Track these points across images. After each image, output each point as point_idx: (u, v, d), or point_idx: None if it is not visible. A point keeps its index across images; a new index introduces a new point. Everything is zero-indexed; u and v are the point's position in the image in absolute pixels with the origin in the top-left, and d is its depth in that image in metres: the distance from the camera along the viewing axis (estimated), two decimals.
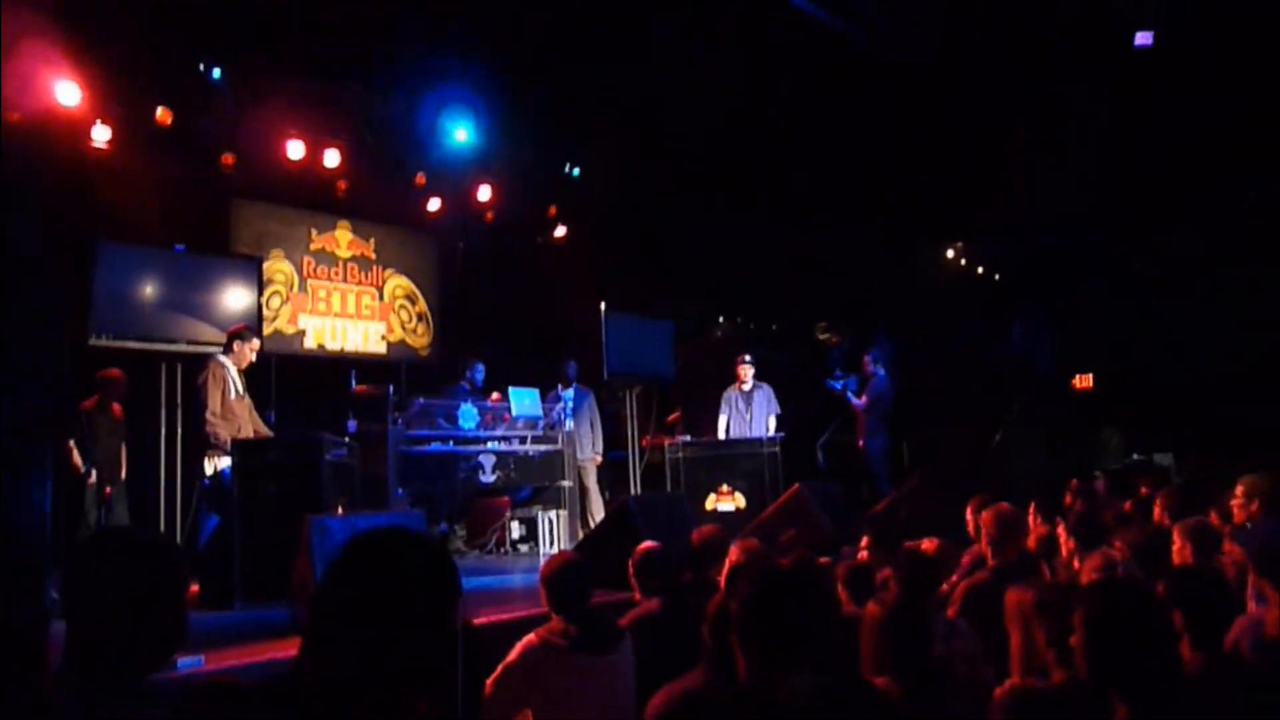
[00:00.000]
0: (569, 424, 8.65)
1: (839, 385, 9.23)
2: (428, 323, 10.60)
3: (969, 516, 4.95)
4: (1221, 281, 11.68)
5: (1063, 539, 4.29)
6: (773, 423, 8.97)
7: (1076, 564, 3.92)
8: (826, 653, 2.44)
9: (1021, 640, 2.75)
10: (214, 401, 5.98)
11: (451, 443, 7.90)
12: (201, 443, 5.98)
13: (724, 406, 9.15)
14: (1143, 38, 8.53)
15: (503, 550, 8.45)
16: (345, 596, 1.31)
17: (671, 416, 10.69)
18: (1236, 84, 10.01)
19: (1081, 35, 9.36)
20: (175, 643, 1.76)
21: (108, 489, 6.45)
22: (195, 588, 5.36)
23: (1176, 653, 1.99)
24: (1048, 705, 2.12)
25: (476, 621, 4.55)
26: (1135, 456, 12.34)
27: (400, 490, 7.33)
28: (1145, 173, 11.44)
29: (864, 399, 9.14)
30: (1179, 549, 3.87)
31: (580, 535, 7.93)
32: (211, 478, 5.89)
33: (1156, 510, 5.23)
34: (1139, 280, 12.43)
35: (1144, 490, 6.57)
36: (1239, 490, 4.29)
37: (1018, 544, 4.19)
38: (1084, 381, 13.36)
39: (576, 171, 11.35)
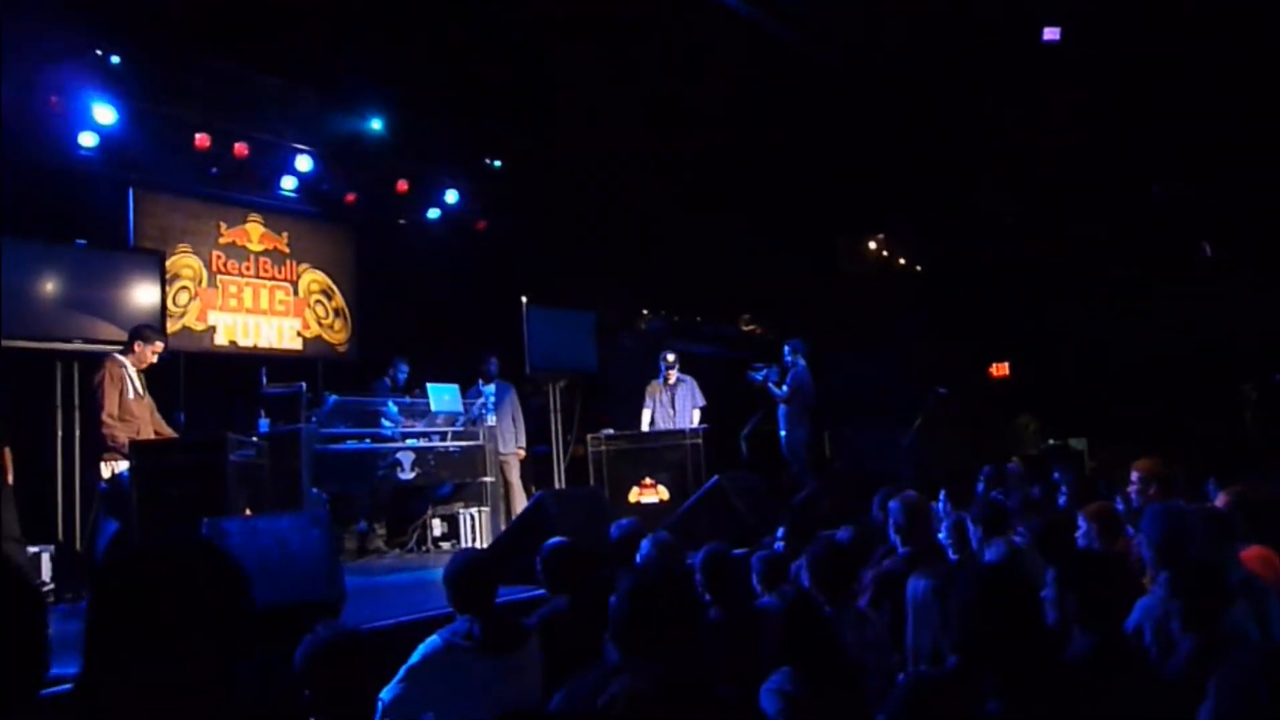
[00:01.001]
0: (490, 419, 8.55)
1: (760, 376, 9.26)
2: (345, 318, 10.36)
3: (875, 507, 5.01)
4: (1135, 270, 12.05)
5: (971, 526, 4.35)
6: (697, 415, 8.98)
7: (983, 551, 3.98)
8: (682, 649, 2.43)
9: (921, 625, 2.77)
10: (111, 403, 5.73)
11: (369, 440, 7.75)
12: (98, 445, 5.73)
13: (648, 400, 9.14)
14: (1050, 33, 8.73)
15: (424, 548, 8.31)
16: (112, 622, 1.27)
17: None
18: (1143, 83, 10.34)
19: (992, 32, 9.56)
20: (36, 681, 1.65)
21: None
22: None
23: (1049, 637, 2.01)
24: (938, 689, 2.12)
25: (389, 622, 4.46)
26: (1051, 442, 12.71)
27: (315, 490, 7.16)
28: (1056, 167, 11.74)
29: (785, 389, 9.18)
30: (1084, 533, 3.95)
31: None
32: (109, 481, 5.65)
33: (1067, 495, 5.37)
34: (1054, 269, 12.76)
35: (1054, 476, 6.73)
36: (1134, 475, 4.39)
37: (927, 532, 4.24)
38: (1000, 370, 13.69)
39: (498, 163, 11.23)
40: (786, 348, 9.48)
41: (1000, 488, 5.86)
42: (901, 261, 14.50)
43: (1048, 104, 11.04)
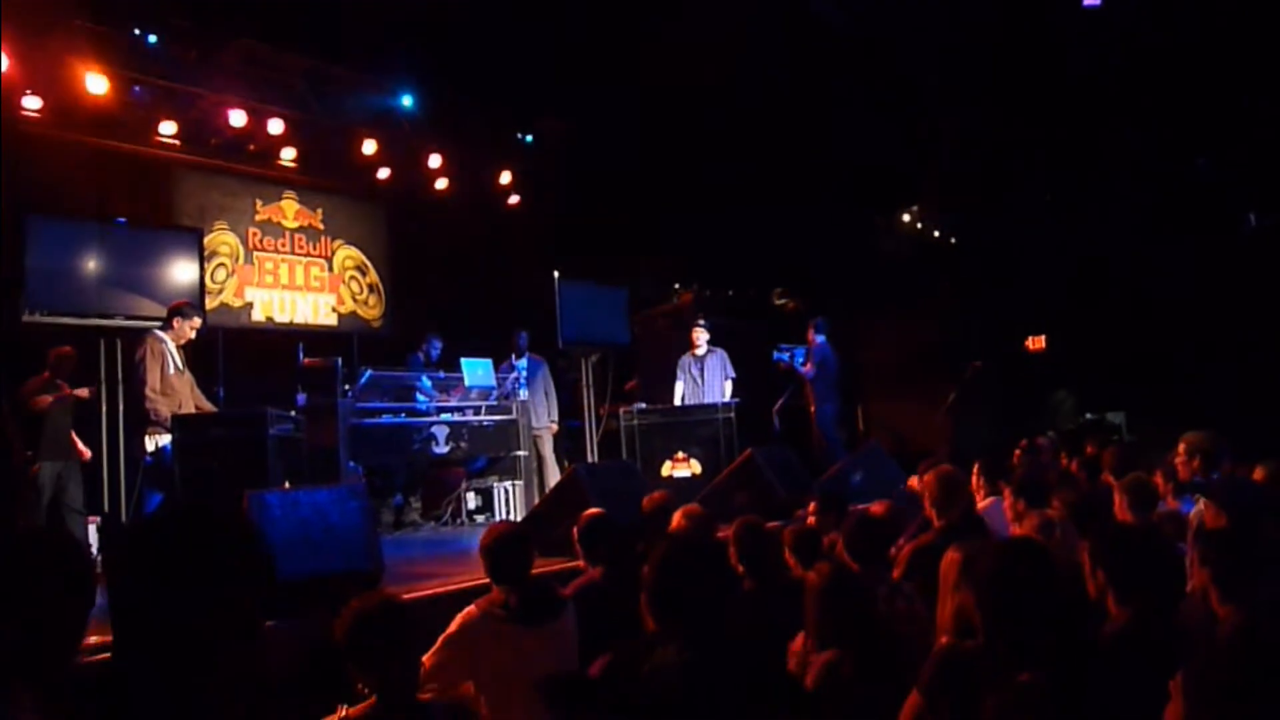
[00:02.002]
0: (523, 393, 8.61)
1: (785, 356, 9.31)
2: (379, 294, 10.45)
3: (913, 481, 4.98)
4: (1178, 242, 11.81)
5: (1008, 500, 4.32)
6: (728, 388, 8.98)
7: (1019, 526, 3.96)
8: (714, 621, 2.46)
9: (949, 599, 2.76)
10: (153, 377, 5.85)
11: (404, 414, 7.83)
12: (142, 420, 5.84)
13: (679, 373, 9.14)
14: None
15: (459, 521, 8.41)
16: (139, 582, 1.29)
17: (629, 385, 10.66)
18: (1187, 51, 10.10)
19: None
20: (75, 643, 1.70)
21: (35, 466, 6.31)
22: None
23: (1084, 611, 2.00)
24: (973, 664, 2.12)
25: (426, 593, 4.52)
26: (1088, 416, 12.55)
27: (352, 463, 7.25)
28: (1098, 138, 11.52)
29: (809, 366, 9.21)
30: (1118, 506, 3.92)
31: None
32: (153, 455, 5.77)
33: (1106, 467, 5.31)
34: (1093, 242, 12.54)
35: (1090, 450, 6.66)
36: (1181, 448, 4.35)
37: (961, 505, 4.22)
38: (1037, 343, 13.51)
39: (530, 138, 11.23)
40: (811, 325, 9.52)
41: (1036, 461, 5.82)
42: (936, 234, 14.32)
43: (1089, 72, 10.83)
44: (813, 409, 9.28)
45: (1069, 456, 7.18)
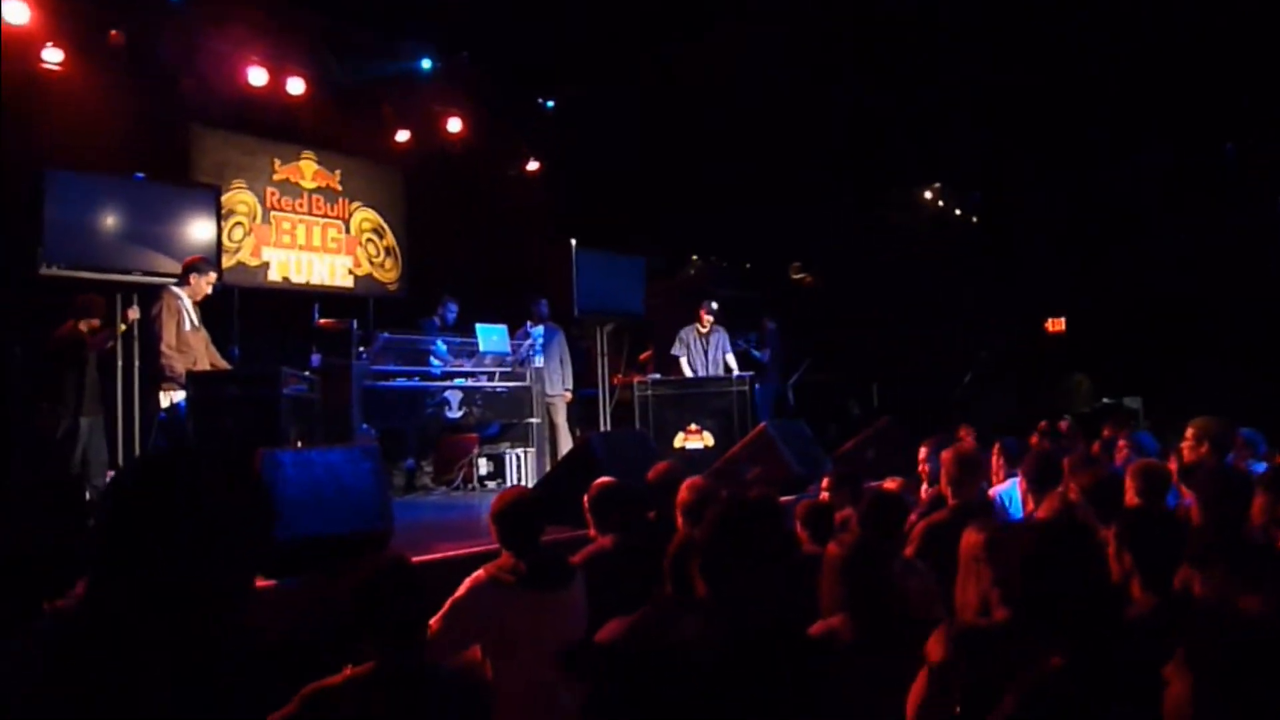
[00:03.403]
0: (538, 361, 8.59)
1: (742, 343, 9.67)
2: (395, 257, 10.42)
3: (921, 456, 4.95)
4: (1202, 227, 11.64)
5: (1021, 482, 4.28)
6: (733, 362, 9.01)
7: (1030, 506, 3.92)
8: (781, 585, 2.43)
9: (970, 579, 2.73)
10: (168, 334, 5.85)
11: (418, 378, 7.82)
12: (156, 375, 5.85)
13: (678, 346, 9.15)
14: None
15: (470, 487, 8.42)
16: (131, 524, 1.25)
17: (644, 355, 10.64)
18: (1219, 33, 9.91)
19: None
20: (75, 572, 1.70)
21: (53, 420, 6.33)
22: None
23: (1116, 595, 1.96)
24: (987, 642, 2.09)
25: (435, 556, 4.53)
26: (1105, 401, 12.44)
27: (365, 425, 7.26)
28: (1123, 118, 11.34)
29: (766, 352, 9.69)
30: (1130, 491, 3.87)
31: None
32: (167, 411, 5.78)
33: (1121, 451, 5.25)
34: (1116, 224, 12.38)
35: (1107, 433, 6.60)
36: (1188, 433, 4.30)
37: (977, 484, 4.18)
38: (1056, 325, 13.39)
39: (550, 104, 11.14)
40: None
41: (1055, 444, 5.77)
42: (957, 212, 14.17)
43: (1115, 51, 10.64)
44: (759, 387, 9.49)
45: (1086, 440, 7.12)
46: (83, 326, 6.48)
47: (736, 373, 8.73)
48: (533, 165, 10.92)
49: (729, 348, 9.11)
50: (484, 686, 2.50)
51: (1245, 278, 11.19)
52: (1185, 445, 4.29)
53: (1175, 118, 11.10)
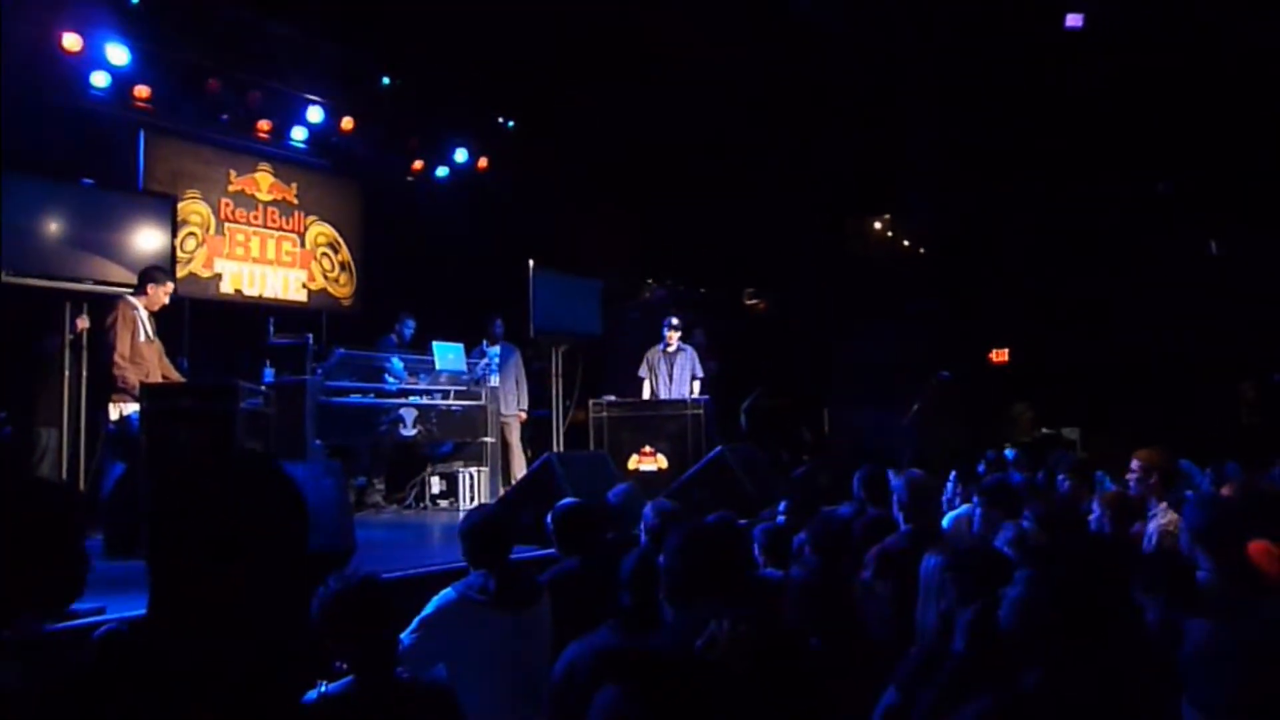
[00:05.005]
0: (493, 380, 8.58)
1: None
2: (350, 272, 10.34)
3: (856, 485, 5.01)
4: (1140, 263, 12.04)
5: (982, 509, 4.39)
6: (696, 386, 9.02)
7: (979, 529, 4.04)
8: (747, 604, 2.48)
9: (932, 602, 2.81)
10: (123, 344, 5.74)
11: (372, 395, 7.77)
12: (108, 386, 5.74)
13: (645, 369, 9.15)
14: (1073, 20, 8.69)
15: (422, 505, 8.36)
16: (182, 529, 1.25)
17: None
18: (1158, 75, 10.31)
19: (1014, 14, 9.52)
20: (73, 590, 1.68)
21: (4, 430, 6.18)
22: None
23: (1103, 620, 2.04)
24: (948, 664, 2.16)
25: (394, 574, 4.50)
26: (1045, 431, 12.77)
27: (318, 441, 7.18)
28: (1068, 155, 11.72)
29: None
30: (1096, 517, 4.00)
31: (501, 492, 7.89)
32: (117, 423, 5.66)
33: (1066, 482, 5.41)
34: (1057, 256, 12.76)
35: (1054, 462, 6.77)
36: (1135, 465, 4.40)
37: (931, 511, 4.29)
38: (1000, 356, 13.72)
39: (511, 123, 11.17)
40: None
41: (1000, 473, 5.91)
42: (906, 243, 14.49)
43: (1063, 90, 11.01)
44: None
45: (1029, 469, 7.30)
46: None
47: (695, 396, 8.77)
48: (491, 184, 10.91)
49: (698, 370, 9.12)
50: (454, 701, 2.50)
51: (1179, 313, 11.60)
52: (1131, 477, 4.40)
53: (1119, 154, 11.51)
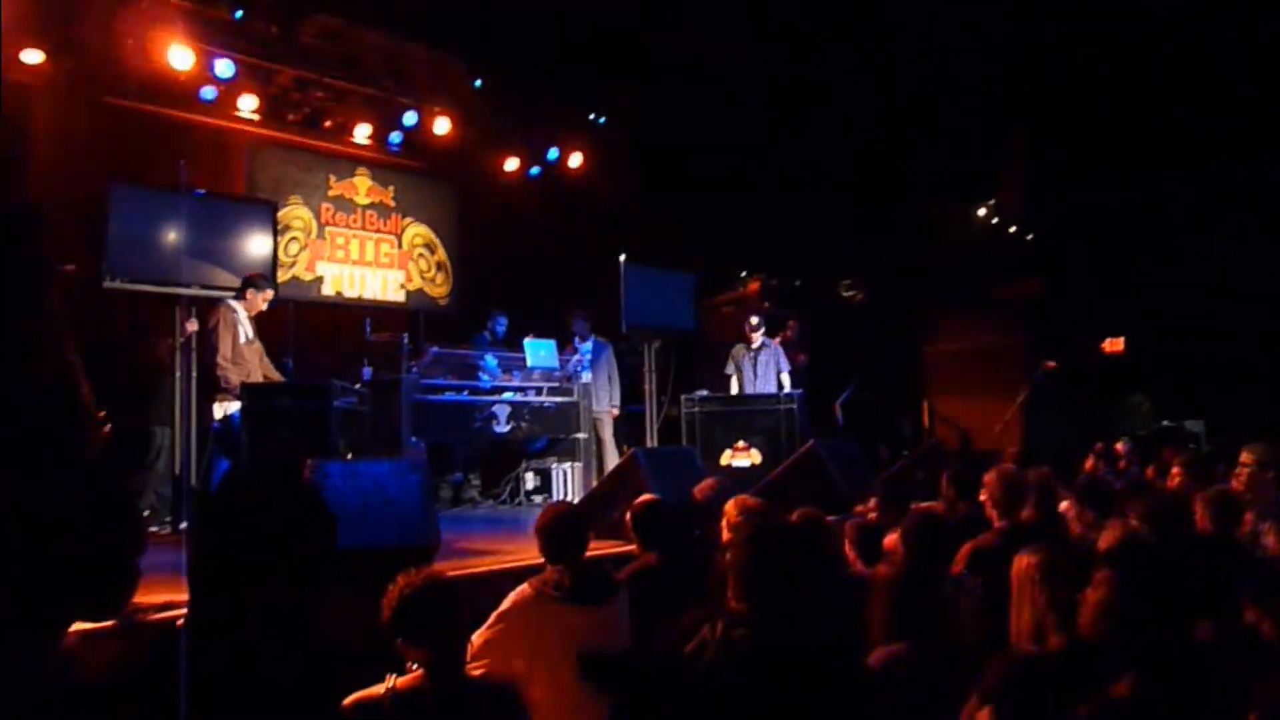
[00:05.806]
0: (585, 376, 8.60)
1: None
2: (446, 272, 10.54)
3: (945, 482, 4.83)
4: (1269, 247, 11.31)
5: (1073, 508, 4.18)
6: (786, 380, 8.89)
7: (1077, 528, 3.82)
8: (826, 604, 2.40)
9: (1025, 604, 2.66)
10: (225, 346, 5.97)
11: (466, 392, 7.87)
12: (212, 386, 5.97)
13: (729, 366, 9.08)
14: None
15: (516, 501, 8.45)
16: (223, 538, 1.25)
17: None
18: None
19: None
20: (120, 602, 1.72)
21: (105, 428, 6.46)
22: None
23: (1192, 621, 1.89)
24: (1041, 671, 2.03)
25: (479, 569, 4.54)
26: (1165, 423, 12.10)
27: (414, 439, 7.32)
28: (1182, 131, 11.09)
29: (801, 358, 9.53)
30: (1199, 517, 3.75)
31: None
32: (221, 422, 5.90)
33: (1175, 478, 5.10)
34: (1175, 242, 12.08)
35: (1170, 456, 6.40)
36: (1246, 458, 4.12)
37: (1023, 507, 4.09)
38: (1114, 345, 13.07)
39: (602, 119, 11.19)
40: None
41: (1110, 467, 5.62)
42: (1012, 230, 13.93)
43: (1178, 63, 10.42)
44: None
45: (1143, 463, 6.92)
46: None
47: (787, 390, 8.63)
48: (583, 180, 10.94)
49: (784, 365, 9.00)
50: (520, 700, 2.49)
51: None
52: (1244, 472, 4.11)
53: (1243, 131, 10.84)
